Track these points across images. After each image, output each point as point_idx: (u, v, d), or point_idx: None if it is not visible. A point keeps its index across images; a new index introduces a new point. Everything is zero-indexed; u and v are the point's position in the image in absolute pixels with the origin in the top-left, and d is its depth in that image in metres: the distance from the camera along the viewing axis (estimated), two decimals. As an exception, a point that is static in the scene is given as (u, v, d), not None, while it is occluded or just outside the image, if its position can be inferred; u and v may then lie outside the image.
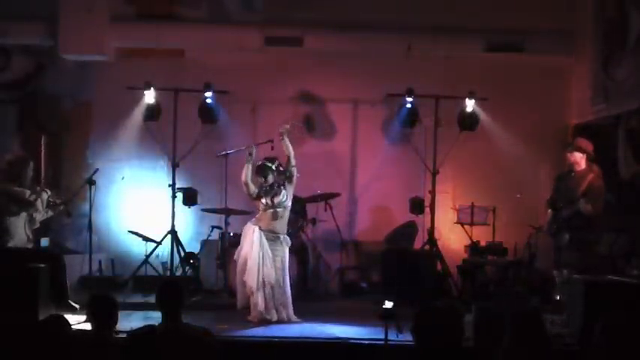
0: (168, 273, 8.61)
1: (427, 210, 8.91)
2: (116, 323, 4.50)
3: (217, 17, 9.56)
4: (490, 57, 9.43)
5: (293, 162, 7.22)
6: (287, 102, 9.62)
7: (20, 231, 7.25)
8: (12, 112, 9.72)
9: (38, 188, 7.48)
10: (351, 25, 9.32)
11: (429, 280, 8.22)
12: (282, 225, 7.25)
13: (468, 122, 8.81)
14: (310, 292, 8.51)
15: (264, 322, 6.99)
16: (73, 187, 8.76)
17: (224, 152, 8.19)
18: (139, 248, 8.79)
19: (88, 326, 4.57)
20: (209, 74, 8.92)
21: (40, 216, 7.41)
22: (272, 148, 7.36)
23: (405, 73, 9.16)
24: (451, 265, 8.70)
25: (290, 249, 7.46)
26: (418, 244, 9.16)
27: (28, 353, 4.07)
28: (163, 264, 8.80)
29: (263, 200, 7.20)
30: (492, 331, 4.62)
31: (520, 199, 9.01)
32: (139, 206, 9.45)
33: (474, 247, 8.62)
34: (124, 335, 4.46)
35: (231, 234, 8.40)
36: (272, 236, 7.17)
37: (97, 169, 8.49)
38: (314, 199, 8.90)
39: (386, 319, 5.81)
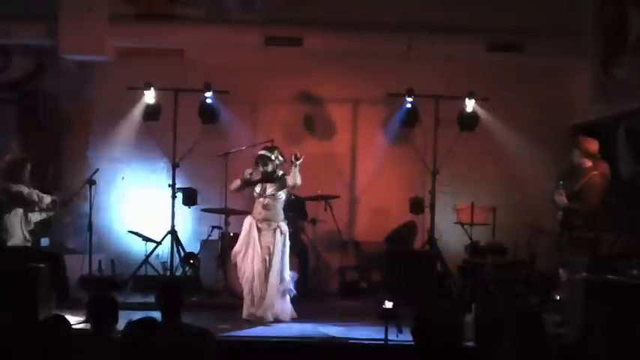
0: (168, 273, 8.62)
1: (427, 210, 8.91)
2: (116, 323, 4.49)
3: (217, 17, 9.56)
4: (490, 57, 9.42)
5: (292, 186, 7.27)
6: (287, 102, 9.63)
7: (17, 230, 7.28)
8: (12, 112, 9.72)
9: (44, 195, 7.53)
10: (351, 25, 9.31)
11: (429, 280, 8.22)
12: (274, 214, 7.24)
13: (468, 122, 8.81)
14: (310, 292, 8.51)
15: (256, 319, 6.99)
16: (73, 187, 8.76)
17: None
18: (139, 248, 8.80)
19: (88, 326, 4.56)
20: (209, 74, 8.92)
21: (34, 217, 7.45)
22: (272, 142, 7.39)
23: (405, 73, 9.15)
24: (451, 265, 8.70)
25: (290, 249, 7.46)
26: (418, 244, 9.16)
27: (28, 353, 4.07)
28: (163, 264, 8.80)
29: (257, 189, 7.23)
30: (492, 331, 4.61)
31: (520, 199, 9.01)
32: (139, 206, 9.46)
33: (473, 247, 8.61)
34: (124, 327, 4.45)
35: (231, 234, 8.40)
36: (265, 225, 7.18)
37: (97, 169, 8.49)
38: (314, 199, 8.90)
39: (386, 319, 5.81)
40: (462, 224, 8.86)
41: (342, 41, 9.35)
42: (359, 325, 6.93)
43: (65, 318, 4.28)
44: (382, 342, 5.65)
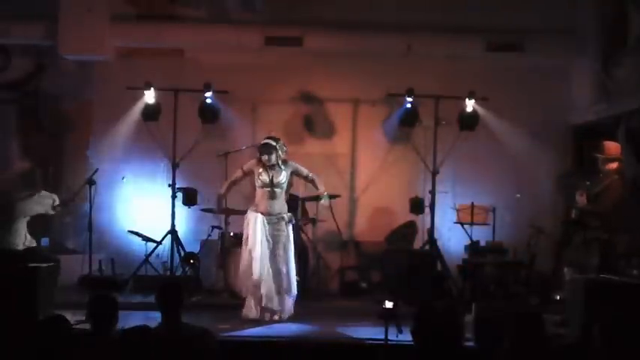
0: (168, 273, 8.62)
1: (427, 210, 8.91)
2: (116, 323, 4.49)
3: (217, 17, 9.56)
4: (490, 57, 9.42)
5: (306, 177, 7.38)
6: (287, 102, 9.63)
7: (23, 233, 7.34)
8: (12, 112, 9.72)
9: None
10: (351, 25, 9.31)
11: (429, 280, 8.21)
12: (280, 204, 7.22)
13: (468, 122, 8.81)
14: (310, 292, 8.51)
15: (264, 315, 7.00)
16: (74, 187, 8.76)
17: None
18: (139, 248, 8.79)
19: (88, 326, 4.56)
20: (209, 74, 8.91)
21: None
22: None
23: (405, 73, 9.15)
24: (451, 265, 8.70)
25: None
26: (418, 244, 9.17)
27: (28, 353, 4.07)
28: (163, 264, 8.79)
29: (262, 177, 7.18)
30: (492, 331, 4.62)
31: (520, 199, 9.01)
32: (139, 206, 9.46)
33: (473, 247, 8.61)
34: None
35: (231, 234, 8.41)
36: (274, 219, 7.15)
37: (97, 169, 8.49)
38: (314, 199, 8.88)
39: (386, 319, 5.81)
40: (462, 224, 8.85)
41: (342, 41, 9.35)
42: (359, 325, 6.92)
43: (65, 318, 4.28)
44: (382, 342, 5.65)
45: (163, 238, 8.66)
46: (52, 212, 7.69)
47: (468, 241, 8.71)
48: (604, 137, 7.59)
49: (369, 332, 6.52)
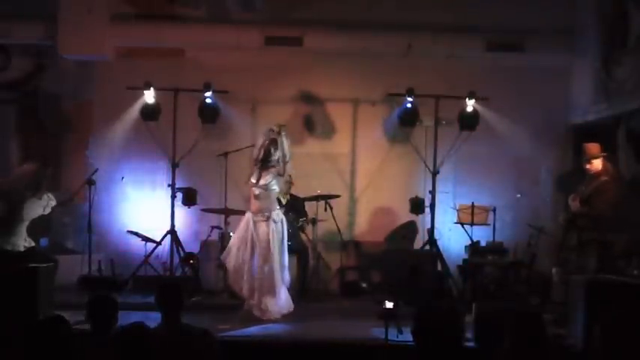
0: (167, 273, 8.61)
1: (427, 210, 8.90)
2: (116, 323, 4.49)
3: (217, 17, 9.56)
4: (490, 57, 9.42)
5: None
6: (287, 102, 9.62)
7: (23, 234, 7.34)
8: (12, 112, 9.72)
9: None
10: (351, 24, 9.32)
11: (429, 280, 8.21)
12: (267, 203, 7.21)
13: (468, 122, 8.80)
14: (310, 292, 8.51)
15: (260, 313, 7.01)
16: (73, 187, 8.76)
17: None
18: (138, 248, 8.79)
19: (87, 326, 4.56)
20: (209, 74, 8.91)
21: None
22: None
23: (406, 73, 9.15)
24: (451, 265, 8.70)
25: (290, 249, 7.46)
26: (418, 244, 9.16)
27: (29, 353, 4.07)
28: (163, 264, 8.79)
29: (252, 178, 7.22)
30: (492, 331, 4.61)
31: (520, 199, 9.01)
32: (139, 206, 9.46)
33: (474, 247, 8.61)
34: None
35: (231, 234, 8.40)
36: (262, 216, 7.17)
37: (97, 169, 8.49)
38: (314, 199, 8.89)
39: (386, 319, 5.82)
40: (462, 224, 8.85)
41: (342, 41, 9.35)
42: (359, 325, 6.92)
43: (65, 318, 4.28)
44: (382, 342, 5.66)
45: (163, 239, 8.66)
46: (49, 211, 7.68)
47: (468, 242, 8.71)
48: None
49: (369, 332, 6.52)
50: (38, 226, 7.74)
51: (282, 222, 7.27)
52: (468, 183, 9.47)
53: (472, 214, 8.75)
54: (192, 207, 8.88)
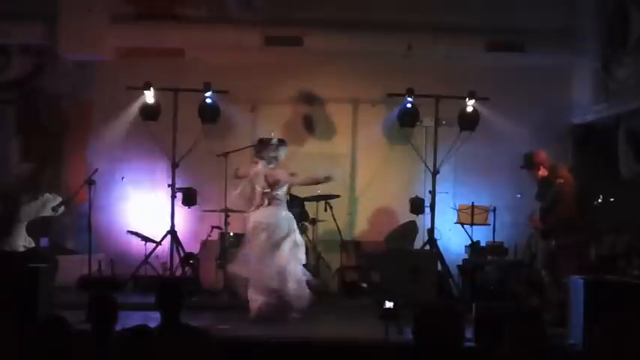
0: (167, 273, 8.61)
1: (427, 210, 8.90)
2: (116, 323, 4.49)
3: (217, 17, 9.56)
4: (490, 57, 9.42)
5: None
6: (287, 102, 9.63)
7: (24, 233, 7.35)
8: (12, 112, 9.72)
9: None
10: (351, 25, 9.31)
11: (429, 280, 8.21)
12: (279, 207, 7.18)
13: (468, 122, 8.80)
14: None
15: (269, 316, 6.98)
16: (73, 187, 8.76)
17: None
18: (138, 248, 8.79)
19: (87, 326, 4.55)
20: (209, 74, 8.92)
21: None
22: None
23: (405, 73, 9.16)
24: (451, 265, 8.70)
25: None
26: (418, 244, 9.16)
27: (29, 353, 4.07)
28: (163, 264, 8.79)
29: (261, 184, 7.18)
30: (492, 331, 4.61)
31: (520, 199, 9.00)
32: (139, 206, 9.46)
33: (474, 247, 8.61)
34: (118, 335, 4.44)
35: (231, 234, 8.40)
36: (272, 220, 7.12)
37: (97, 169, 8.49)
38: (314, 199, 8.89)
39: (386, 319, 5.81)
40: (462, 224, 8.85)
41: (342, 41, 9.35)
42: (359, 325, 6.91)
43: (65, 318, 4.28)
44: (382, 342, 5.65)
45: (163, 239, 8.66)
46: (53, 213, 7.69)
47: (468, 242, 8.72)
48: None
49: (369, 332, 6.52)
50: (38, 226, 7.75)
51: (291, 220, 7.24)
52: (468, 183, 9.47)
53: (472, 214, 8.76)
54: (192, 207, 8.89)
